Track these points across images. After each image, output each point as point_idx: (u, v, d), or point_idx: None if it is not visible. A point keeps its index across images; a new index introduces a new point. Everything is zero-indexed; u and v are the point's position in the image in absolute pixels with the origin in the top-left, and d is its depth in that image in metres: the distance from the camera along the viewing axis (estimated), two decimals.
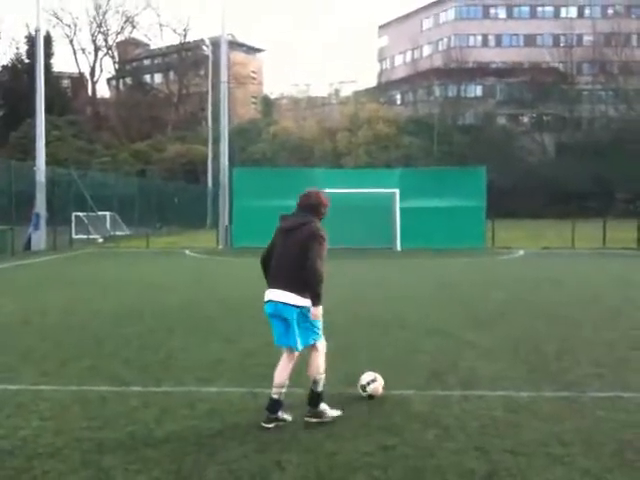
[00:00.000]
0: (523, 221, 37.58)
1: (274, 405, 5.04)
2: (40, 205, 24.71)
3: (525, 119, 70.32)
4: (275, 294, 5.07)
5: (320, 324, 5.13)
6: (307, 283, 4.95)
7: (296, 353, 5.17)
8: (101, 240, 29.09)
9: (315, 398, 5.14)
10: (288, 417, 5.10)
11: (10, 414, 5.34)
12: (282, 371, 5.15)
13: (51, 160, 32.32)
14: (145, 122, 69.84)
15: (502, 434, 4.85)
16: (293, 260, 5.00)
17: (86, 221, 29.45)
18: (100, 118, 73.64)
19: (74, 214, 28.78)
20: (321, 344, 5.19)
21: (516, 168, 50.71)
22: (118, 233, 31.85)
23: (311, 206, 5.21)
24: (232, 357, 7.22)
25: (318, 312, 5.03)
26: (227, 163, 29.15)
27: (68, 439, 4.77)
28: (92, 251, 24.87)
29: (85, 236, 28.84)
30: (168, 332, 8.63)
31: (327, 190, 23.15)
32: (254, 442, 4.70)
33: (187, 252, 23.60)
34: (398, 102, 75.56)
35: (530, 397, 5.75)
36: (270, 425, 4.97)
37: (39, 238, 24.40)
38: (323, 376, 5.16)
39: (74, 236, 28.05)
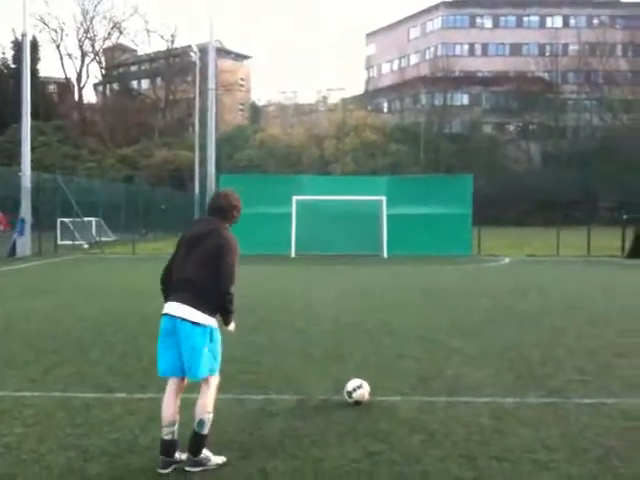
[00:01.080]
0: (509, 229, 37.81)
1: (169, 447, 4.31)
2: (25, 211, 24.52)
3: (511, 128, 70.91)
4: (175, 308, 4.38)
5: (219, 354, 4.56)
6: (214, 301, 4.36)
7: (185, 382, 4.54)
8: (87, 246, 28.92)
9: (198, 442, 4.32)
10: (184, 456, 4.36)
11: None
12: (170, 405, 4.46)
13: (37, 165, 32.12)
14: (132, 128, 69.62)
15: (487, 440, 4.87)
16: (198, 273, 4.35)
17: (72, 227, 29.27)
18: (86, 124, 73.31)
19: (59, 220, 28.60)
20: (215, 379, 4.52)
21: (502, 176, 51.05)
22: (104, 239, 31.67)
23: (220, 209, 4.54)
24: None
25: (231, 328, 4.59)
26: (214, 170, 29.12)
27: (52, 446, 4.73)
28: (77, 257, 24.71)
29: (70, 242, 28.67)
30: (152, 339, 8.53)
31: (314, 197, 23.19)
32: (239, 449, 4.68)
33: None
34: (385, 110, 75.96)
35: (515, 403, 5.78)
36: (168, 470, 4.27)
37: (24, 244, 24.20)
38: (211, 416, 4.39)
39: (59, 242, 27.87)
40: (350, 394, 5.63)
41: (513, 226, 41.53)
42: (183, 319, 4.32)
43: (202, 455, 4.33)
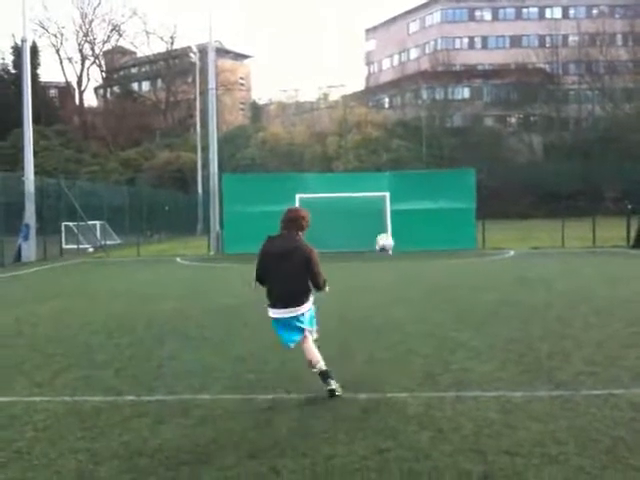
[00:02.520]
0: (513, 221, 37.77)
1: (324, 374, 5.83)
2: (29, 216, 24.58)
3: (513, 120, 70.77)
4: (285, 313, 5.86)
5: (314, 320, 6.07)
6: (308, 288, 5.90)
7: (306, 334, 5.92)
8: (91, 250, 28.98)
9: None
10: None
11: (4, 426, 5.31)
12: (312, 351, 5.92)
13: (40, 170, 32.23)
14: (133, 130, 69.77)
15: (497, 434, 4.87)
16: (294, 283, 5.80)
17: (76, 231, 29.32)
18: (88, 127, 73.51)
19: (64, 224, 28.64)
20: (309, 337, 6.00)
21: (505, 169, 50.94)
22: (108, 242, 31.73)
23: (294, 222, 5.89)
24: (224, 364, 7.20)
25: (327, 290, 6.01)
26: (216, 169, 29.14)
27: (63, 450, 4.75)
28: (83, 261, 24.76)
29: (75, 246, 28.73)
30: (160, 341, 8.61)
31: (318, 195, 23.16)
32: (249, 448, 4.69)
33: (178, 259, 23.55)
34: (386, 105, 75.89)
35: (524, 397, 5.77)
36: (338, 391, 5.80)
37: (29, 249, 24.26)
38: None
39: (64, 246, 27.94)
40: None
41: (517, 219, 41.47)
42: (291, 317, 5.85)
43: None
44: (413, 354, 7.49)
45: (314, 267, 5.78)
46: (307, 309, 5.90)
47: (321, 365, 5.83)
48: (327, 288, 5.99)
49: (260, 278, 6.01)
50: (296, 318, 5.83)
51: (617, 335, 8.33)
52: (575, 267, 17.98)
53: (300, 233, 5.92)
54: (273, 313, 5.92)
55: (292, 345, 5.99)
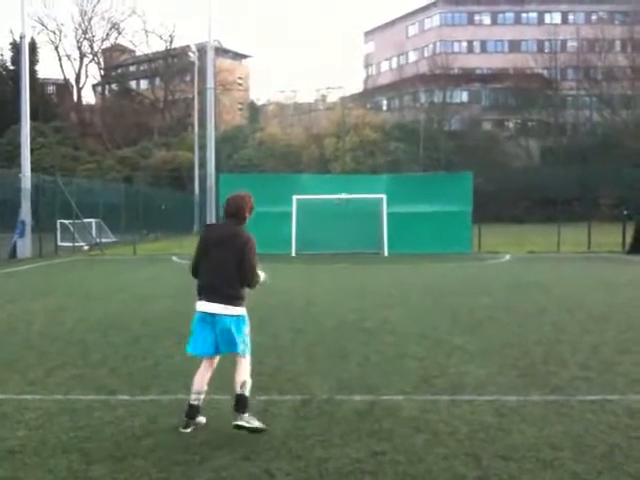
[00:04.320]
0: (508, 226, 37.80)
1: (193, 411, 5.11)
2: (25, 212, 24.51)
3: (510, 124, 70.86)
4: (212, 307, 5.11)
5: (248, 338, 5.25)
6: (243, 290, 5.17)
7: (216, 360, 5.36)
8: (87, 247, 28.89)
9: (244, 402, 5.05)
10: (203, 420, 5.20)
11: None
12: (202, 378, 5.30)
13: (36, 167, 32.11)
14: (131, 128, 69.63)
15: (492, 439, 4.85)
16: (229, 272, 5.09)
17: (72, 228, 29.22)
18: (85, 125, 73.37)
19: (59, 221, 28.55)
20: (248, 358, 5.28)
21: (501, 173, 51.01)
22: (104, 240, 31.64)
23: (238, 211, 5.26)
24: (218, 364, 7.15)
25: (263, 278, 5.29)
26: (214, 169, 29.10)
27: (55, 449, 4.72)
28: (78, 259, 24.70)
29: (71, 243, 28.62)
30: (154, 340, 8.58)
31: (314, 196, 23.12)
32: (243, 450, 4.67)
33: (174, 258, 23.49)
34: (384, 108, 75.92)
35: (519, 401, 5.76)
36: (189, 430, 5.03)
37: (24, 246, 24.19)
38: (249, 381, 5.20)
39: (60, 243, 27.84)
40: None
41: (513, 223, 41.50)
42: (224, 315, 5.09)
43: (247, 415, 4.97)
44: (408, 357, 7.48)
45: (250, 258, 5.10)
46: (241, 315, 5.14)
47: (193, 399, 5.15)
48: (260, 282, 5.28)
49: (195, 271, 5.43)
50: (227, 324, 5.05)
51: (612, 341, 8.33)
52: (571, 272, 18.00)
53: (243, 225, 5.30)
54: (200, 306, 5.20)
55: (204, 354, 5.30)
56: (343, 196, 23.42)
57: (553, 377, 6.55)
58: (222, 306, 5.06)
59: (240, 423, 4.88)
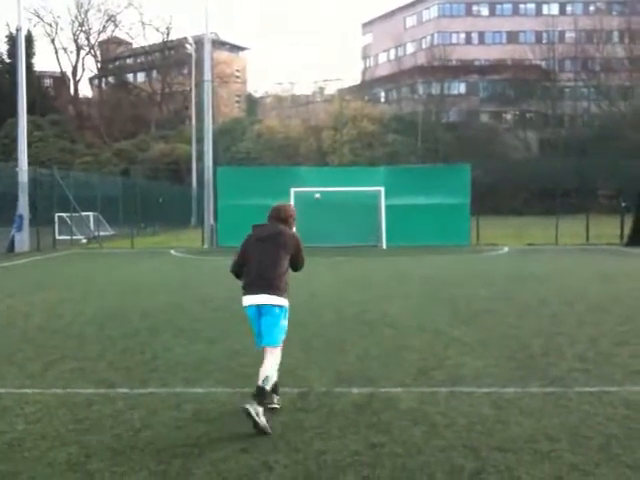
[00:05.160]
0: (507, 218, 37.78)
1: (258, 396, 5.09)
2: (23, 206, 24.47)
3: (508, 116, 70.73)
4: (257, 299, 5.39)
5: (285, 329, 5.51)
6: (284, 281, 5.48)
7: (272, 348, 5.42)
8: (85, 241, 28.87)
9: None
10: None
11: None
12: (273, 368, 5.36)
13: (33, 160, 32.07)
14: (128, 121, 69.43)
15: (489, 430, 4.87)
16: (273, 265, 5.43)
17: (69, 222, 29.19)
18: (83, 118, 73.16)
19: (57, 215, 28.52)
20: (279, 349, 5.46)
21: (499, 165, 50.90)
22: (102, 233, 31.61)
23: (281, 219, 5.73)
24: (218, 357, 7.19)
25: None
26: (211, 162, 29.04)
27: (54, 442, 4.73)
28: (76, 252, 24.68)
29: (69, 237, 28.60)
30: (153, 333, 8.59)
31: (312, 188, 23.10)
32: (241, 443, 4.68)
33: (172, 252, 23.50)
34: (382, 100, 75.73)
35: (517, 393, 5.78)
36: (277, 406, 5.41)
37: (22, 239, 24.17)
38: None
39: (57, 237, 27.82)
40: None
41: (511, 215, 41.49)
42: (271, 305, 5.38)
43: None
44: (406, 349, 7.49)
45: (299, 251, 5.63)
46: (284, 306, 5.45)
47: (258, 379, 5.19)
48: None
49: (236, 270, 5.69)
50: (271, 313, 5.35)
51: (610, 332, 8.35)
52: (569, 264, 18.02)
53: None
54: (247, 300, 5.46)
55: (260, 346, 5.49)
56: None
57: (551, 369, 6.57)
58: (269, 296, 5.36)
59: (249, 409, 4.85)
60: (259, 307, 5.38)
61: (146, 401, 5.65)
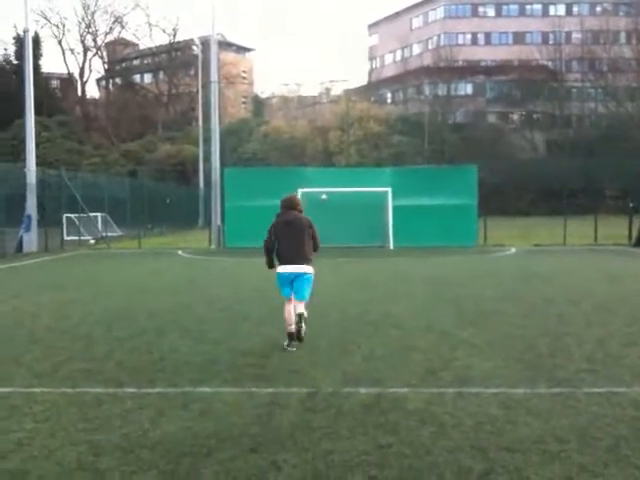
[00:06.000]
0: (514, 218, 37.71)
1: (292, 336, 7.51)
2: (31, 207, 24.58)
3: (515, 117, 70.60)
4: (294, 268, 7.61)
5: (311, 289, 7.85)
6: (312, 253, 7.79)
7: (293, 298, 7.63)
8: (93, 241, 28.98)
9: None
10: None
11: (4, 417, 5.31)
12: (289, 312, 7.60)
13: (41, 161, 32.16)
14: (135, 122, 69.60)
15: (498, 431, 4.86)
16: (302, 242, 7.66)
17: (77, 222, 29.30)
18: (90, 119, 73.37)
19: (65, 215, 28.63)
20: (305, 302, 7.78)
21: (506, 166, 50.75)
22: (110, 234, 31.73)
23: (296, 205, 7.95)
24: (225, 357, 7.20)
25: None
26: (218, 163, 29.09)
27: (63, 441, 4.75)
28: (84, 252, 24.77)
29: (76, 237, 28.71)
30: (160, 333, 8.61)
31: (319, 189, 23.09)
32: (250, 442, 4.69)
33: (180, 252, 23.55)
34: (388, 101, 75.71)
35: (525, 394, 5.77)
36: (294, 349, 7.41)
37: (30, 240, 24.28)
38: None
39: (65, 237, 27.93)
40: None
41: (518, 216, 41.40)
42: (304, 272, 7.69)
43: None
44: (414, 350, 7.49)
45: (314, 230, 7.80)
46: (311, 273, 7.70)
47: (291, 328, 7.51)
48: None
49: (269, 246, 7.72)
50: (302, 279, 7.61)
51: (618, 333, 8.32)
52: (576, 265, 17.97)
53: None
54: (282, 269, 7.65)
55: (289, 296, 7.68)
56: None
57: (559, 370, 6.55)
58: (301, 266, 7.61)
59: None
60: (292, 274, 7.57)
61: (154, 401, 5.67)
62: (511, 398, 5.64)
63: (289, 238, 7.61)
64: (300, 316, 7.50)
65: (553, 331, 8.48)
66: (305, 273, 7.61)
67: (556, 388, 5.92)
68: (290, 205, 7.85)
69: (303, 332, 7.62)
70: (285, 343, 7.46)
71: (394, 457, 4.40)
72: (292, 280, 7.59)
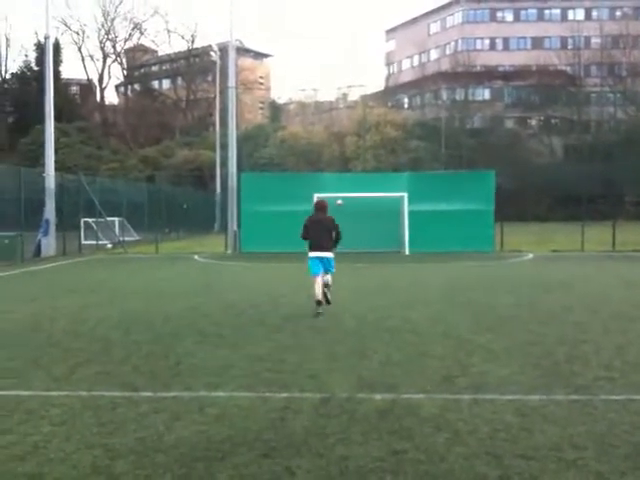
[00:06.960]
0: (531, 224, 37.49)
1: (320, 303, 10.24)
2: (49, 211, 24.81)
3: (533, 122, 70.27)
4: (321, 254, 10.48)
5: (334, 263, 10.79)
6: (334, 244, 10.70)
7: (322, 274, 10.43)
8: (110, 246, 29.18)
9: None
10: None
11: (21, 420, 5.35)
12: (319, 286, 10.30)
13: (60, 166, 32.47)
14: (153, 128, 70.16)
15: (513, 438, 4.82)
16: (328, 236, 10.56)
17: (95, 227, 29.53)
18: (108, 124, 74.05)
19: (83, 220, 28.86)
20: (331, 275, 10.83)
21: (524, 171, 50.54)
22: (127, 239, 31.94)
23: (324, 208, 10.85)
24: (241, 362, 7.21)
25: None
26: (235, 168, 29.19)
27: (79, 445, 4.78)
28: (101, 257, 24.95)
29: (94, 242, 28.93)
30: (177, 338, 8.64)
31: (335, 194, 23.12)
32: (264, 447, 4.68)
33: (196, 257, 23.64)
34: (405, 106, 75.67)
35: (541, 401, 5.72)
36: (320, 311, 10.17)
37: (48, 244, 24.49)
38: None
39: (83, 242, 28.14)
40: None
41: (536, 221, 41.14)
42: (328, 257, 10.60)
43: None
44: (430, 356, 7.45)
45: (337, 227, 10.64)
46: (333, 256, 10.62)
47: (318, 297, 10.16)
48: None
49: (305, 236, 10.55)
50: (328, 260, 10.51)
51: (636, 340, 8.23)
52: (594, 271, 17.80)
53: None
54: (313, 254, 10.46)
55: (319, 273, 10.34)
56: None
57: (576, 377, 6.49)
58: (327, 252, 10.52)
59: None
60: (321, 257, 10.43)
61: (170, 405, 5.69)
62: (527, 405, 5.60)
63: (319, 233, 10.46)
64: (327, 285, 10.52)
65: (570, 338, 8.41)
66: (329, 257, 10.54)
67: (573, 395, 5.87)
68: (321, 207, 10.81)
69: (329, 296, 10.61)
70: (318, 311, 10.12)
71: (409, 463, 4.38)
72: (321, 260, 10.40)
